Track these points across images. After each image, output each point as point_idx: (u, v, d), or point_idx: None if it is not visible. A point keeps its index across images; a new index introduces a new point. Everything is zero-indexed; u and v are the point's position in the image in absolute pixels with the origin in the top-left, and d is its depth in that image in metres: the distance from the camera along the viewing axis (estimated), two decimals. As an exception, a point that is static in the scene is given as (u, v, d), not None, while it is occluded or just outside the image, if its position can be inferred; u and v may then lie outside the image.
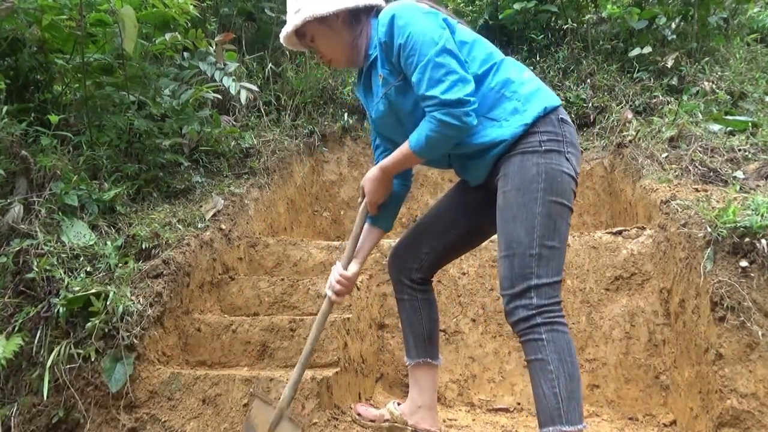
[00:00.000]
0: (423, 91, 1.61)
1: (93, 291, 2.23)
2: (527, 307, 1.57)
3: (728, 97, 3.72)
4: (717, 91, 3.76)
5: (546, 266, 1.58)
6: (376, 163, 1.92)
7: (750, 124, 3.25)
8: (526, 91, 1.68)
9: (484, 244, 2.81)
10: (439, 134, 1.63)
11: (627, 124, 3.69)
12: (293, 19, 1.77)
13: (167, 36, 2.96)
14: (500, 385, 2.66)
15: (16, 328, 2.24)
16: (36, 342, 2.22)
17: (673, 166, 2.98)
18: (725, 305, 2.01)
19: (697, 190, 2.65)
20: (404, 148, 1.74)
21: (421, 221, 2.05)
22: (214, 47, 3.19)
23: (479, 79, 1.69)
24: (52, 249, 2.37)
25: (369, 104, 1.91)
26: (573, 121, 3.91)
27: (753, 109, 3.59)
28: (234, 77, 3.13)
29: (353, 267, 1.95)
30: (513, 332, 1.68)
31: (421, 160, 1.76)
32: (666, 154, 3.12)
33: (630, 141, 3.51)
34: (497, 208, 1.69)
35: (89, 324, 2.20)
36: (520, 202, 1.62)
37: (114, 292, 2.25)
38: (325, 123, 4.25)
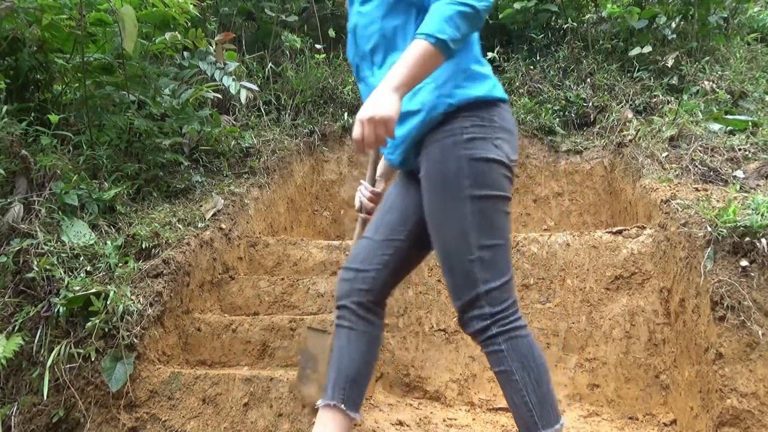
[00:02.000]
0: None
1: (93, 290, 2.23)
2: (481, 317, 1.45)
3: (728, 96, 3.72)
4: (717, 90, 3.76)
5: (491, 269, 1.44)
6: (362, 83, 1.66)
7: (750, 123, 3.25)
8: (476, 73, 1.52)
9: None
10: (463, 10, 1.37)
11: (627, 124, 3.69)
12: None
13: (167, 35, 2.96)
14: (500, 384, 2.66)
15: (17, 328, 2.25)
16: (36, 341, 2.22)
17: (674, 165, 2.98)
18: (725, 305, 2.01)
19: (697, 189, 2.65)
20: (414, 49, 1.37)
21: (366, 233, 1.73)
22: (214, 47, 3.19)
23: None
24: (52, 248, 2.37)
25: (350, 10, 1.69)
26: (573, 121, 3.98)
27: (753, 109, 3.59)
28: (234, 77, 3.14)
29: (380, 185, 1.83)
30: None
31: (444, 56, 1.39)
32: (666, 154, 3.12)
33: (630, 140, 3.51)
34: (425, 208, 1.53)
35: (89, 323, 2.20)
36: (446, 205, 1.47)
37: (114, 292, 2.25)
38: (325, 122, 4.25)
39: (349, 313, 1.63)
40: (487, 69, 1.57)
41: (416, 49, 1.36)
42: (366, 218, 1.83)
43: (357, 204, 1.86)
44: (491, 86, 1.53)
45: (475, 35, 1.57)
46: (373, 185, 1.85)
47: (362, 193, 1.84)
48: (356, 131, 1.38)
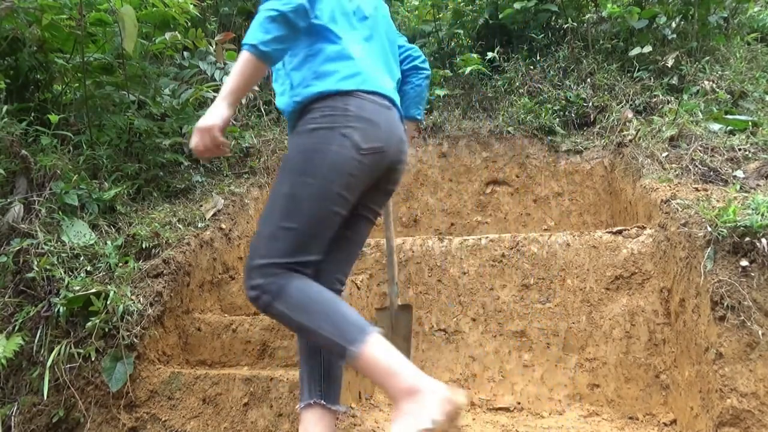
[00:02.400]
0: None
1: (93, 290, 2.23)
2: (253, 288, 1.51)
3: (728, 96, 3.72)
4: (717, 90, 3.76)
5: (274, 246, 1.52)
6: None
7: (750, 123, 3.25)
8: (325, 71, 1.62)
9: (483, 242, 2.81)
10: (263, 21, 1.55)
11: (627, 124, 3.69)
12: None
13: (167, 35, 2.96)
14: (500, 384, 2.66)
15: (17, 328, 2.25)
16: (36, 341, 2.23)
17: (674, 165, 2.98)
18: (725, 304, 2.01)
19: (697, 189, 2.65)
20: (240, 58, 1.56)
21: None
22: (214, 47, 3.20)
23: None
24: (52, 248, 2.37)
25: None
26: (573, 121, 3.98)
27: (753, 109, 3.59)
28: (234, 77, 3.13)
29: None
30: None
31: (262, 62, 1.55)
32: (666, 154, 3.12)
33: (630, 140, 3.51)
34: None
35: (89, 323, 2.20)
36: (275, 184, 1.62)
37: (114, 292, 2.25)
38: (325, 122, 4.24)
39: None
40: (344, 66, 1.64)
41: (239, 58, 1.55)
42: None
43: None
44: (340, 79, 1.62)
45: (339, 37, 1.66)
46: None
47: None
48: (191, 140, 1.56)
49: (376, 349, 1.43)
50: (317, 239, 1.58)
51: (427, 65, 2.07)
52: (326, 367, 1.67)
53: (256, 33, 1.51)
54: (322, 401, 1.63)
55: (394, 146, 1.67)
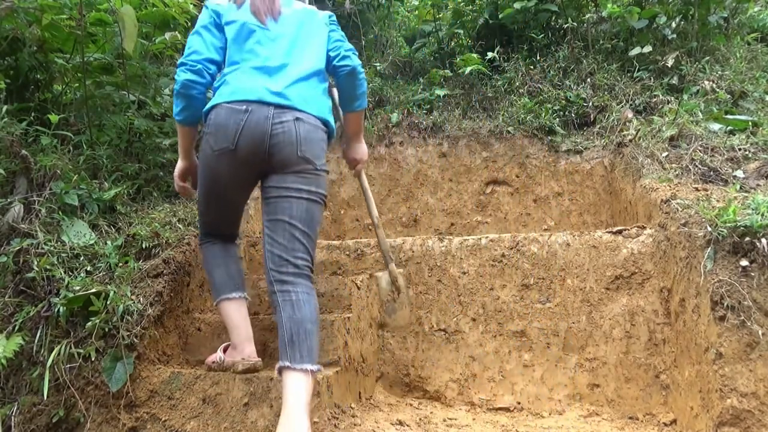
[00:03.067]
0: None
1: (93, 290, 2.23)
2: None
3: (728, 96, 3.71)
4: (717, 90, 3.76)
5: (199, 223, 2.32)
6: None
7: (750, 123, 3.25)
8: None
9: (483, 242, 2.81)
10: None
11: (627, 124, 3.69)
12: None
13: (167, 35, 2.96)
14: (500, 384, 2.66)
15: (17, 328, 2.25)
16: (36, 341, 2.23)
17: (674, 165, 2.98)
18: (725, 304, 2.01)
19: (697, 189, 2.65)
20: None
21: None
22: (214, 46, 3.19)
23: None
24: (52, 248, 2.37)
25: None
26: (573, 121, 3.98)
27: (753, 109, 3.59)
28: (234, 76, 3.13)
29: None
30: None
31: None
32: (666, 154, 3.12)
33: (630, 140, 3.51)
34: None
35: (89, 323, 2.20)
36: None
37: (114, 292, 2.25)
38: (325, 122, 4.25)
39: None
40: (218, 89, 2.11)
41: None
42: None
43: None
44: (210, 101, 2.11)
45: (225, 71, 2.13)
46: None
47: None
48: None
49: (223, 308, 2.21)
50: (212, 218, 2.25)
51: (347, 61, 2.23)
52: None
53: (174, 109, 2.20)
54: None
55: (247, 141, 2.01)
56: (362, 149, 2.53)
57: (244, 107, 2.00)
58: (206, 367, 2.29)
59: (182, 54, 2.15)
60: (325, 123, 2.16)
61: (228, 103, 2.01)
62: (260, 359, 2.20)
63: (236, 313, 2.20)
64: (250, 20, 2.12)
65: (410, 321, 2.74)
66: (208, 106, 2.08)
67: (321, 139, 2.13)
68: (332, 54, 2.23)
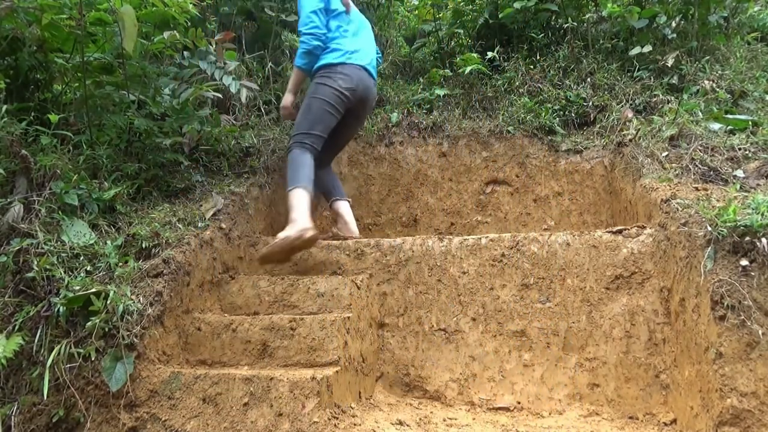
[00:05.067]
0: (299, 28, 3.30)
1: (93, 290, 2.23)
2: (294, 141, 3.14)
3: (728, 95, 3.71)
4: (717, 89, 3.76)
5: (300, 125, 3.17)
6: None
7: (750, 122, 3.25)
8: (324, 55, 3.26)
9: (483, 242, 2.81)
10: (302, 52, 3.24)
11: (627, 123, 3.69)
12: None
13: (167, 35, 2.96)
14: (500, 384, 2.66)
15: (17, 328, 2.25)
16: (36, 341, 2.22)
17: (674, 165, 2.98)
18: (725, 304, 2.01)
19: (697, 189, 2.65)
20: (293, 74, 3.42)
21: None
22: (214, 46, 3.19)
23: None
24: (52, 248, 2.37)
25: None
26: (573, 120, 3.99)
27: (753, 108, 3.59)
28: (234, 76, 3.13)
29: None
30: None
31: (304, 72, 3.30)
32: (666, 153, 3.12)
33: (630, 140, 3.50)
34: None
35: (89, 323, 2.20)
36: (305, 101, 3.23)
37: (114, 292, 2.25)
38: (325, 122, 4.24)
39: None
40: (334, 52, 3.23)
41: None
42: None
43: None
44: (332, 59, 3.21)
45: (332, 34, 3.26)
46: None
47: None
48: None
49: (295, 194, 2.97)
50: (318, 132, 3.17)
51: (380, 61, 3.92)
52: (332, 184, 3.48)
53: (297, 59, 3.27)
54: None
55: (361, 88, 3.26)
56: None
57: (361, 67, 3.26)
58: (264, 256, 2.88)
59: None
60: None
61: (351, 63, 3.22)
62: (313, 230, 2.85)
63: (303, 198, 2.92)
64: (340, 8, 3.28)
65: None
66: (331, 60, 3.19)
67: None
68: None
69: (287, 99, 3.33)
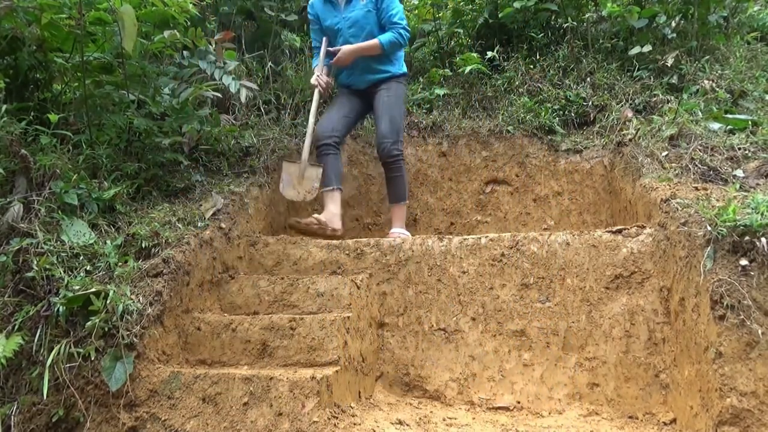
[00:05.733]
0: (396, 19, 3.38)
1: (93, 290, 2.23)
2: (399, 149, 3.46)
3: (728, 95, 3.72)
4: (717, 89, 3.76)
5: (401, 131, 3.53)
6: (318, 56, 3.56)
7: (750, 122, 3.25)
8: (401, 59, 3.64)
9: (483, 242, 2.81)
10: (397, 41, 3.36)
11: (627, 123, 3.69)
12: None
13: (166, 34, 2.95)
14: (500, 383, 2.66)
15: (16, 327, 2.25)
16: (36, 341, 2.22)
17: (673, 164, 2.98)
18: (725, 304, 2.01)
19: (697, 188, 2.65)
20: (373, 42, 3.35)
21: (332, 114, 3.57)
22: (214, 46, 3.19)
23: None
24: (51, 248, 2.37)
25: (335, 15, 3.47)
26: (573, 120, 3.99)
27: (753, 108, 3.59)
28: (234, 76, 3.13)
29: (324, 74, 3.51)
30: (386, 164, 3.47)
31: (380, 52, 3.38)
32: (666, 153, 3.12)
33: (630, 140, 3.51)
34: (381, 99, 3.48)
35: (89, 323, 2.20)
36: (396, 101, 3.50)
37: (114, 291, 2.25)
38: (325, 122, 4.24)
39: (331, 147, 3.44)
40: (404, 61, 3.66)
41: (373, 42, 3.37)
42: (321, 92, 3.49)
43: (315, 82, 3.46)
44: (405, 66, 3.63)
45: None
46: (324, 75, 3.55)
47: (321, 78, 3.46)
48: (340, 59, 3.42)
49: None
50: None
51: None
52: (339, 173, 3.49)
53: (388, 42, 3.40)
54: (340, 187, 3.45)
55: None
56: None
57: None
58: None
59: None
60: None
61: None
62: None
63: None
64: None
65: (292, 198, 3.40)
66: (406, 70, 3.67)
67: None
68: None
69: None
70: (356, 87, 3.58)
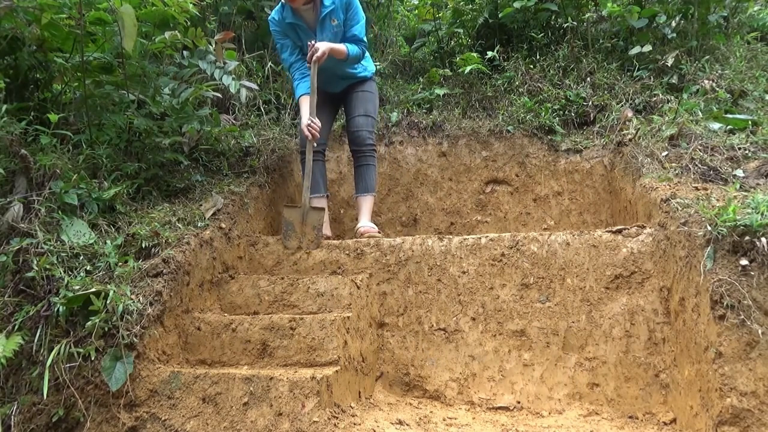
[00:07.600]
0: (360, 37, 3.39)
1: (93, 290, 2.23)
2: (373, 139, 3.50)
3: (728, 95, 3.72)
4: (717, 89, 3.76)
5: (375, 125, 3.60)
6: (296, 73, 3.40)
7: (750, 122, 3.25)
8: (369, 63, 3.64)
9: (483, 241, 2.81)
10: (358, 56, 3.38)
11: (627, 123, 3.69)
12: None
13: (167, 34, 2.95)
14: (500, 383, 2.66)
15: (16, 327, 2.24)
16: (36, 341, 2.22)
17: (673, 164, 2.98)
18: (725, 303, 2.01)
19: (697, 188, 2.65)
20: (343, 47, 3.28)
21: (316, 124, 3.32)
22: (214, 46, 3.19)
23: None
24: (51, 248, 2.37)
25: (306, 35, 3.33)
26: (573, 120, 3.99)
27: (753, 108, 3.59)
28: (234, 76, 3.13)
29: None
30: (360, 152, 3.44)
31: (344, 59, 3.31)
32: (666, 153, 3.12)
33: (630, 139, 3.51)
34: (356, 95, 3.51)
35: (89, 323, 2.20)
36: (371, 96, 3.55)
37: (114, 291, 2.25)
38: (325, 122, 4.24)
39: (319, 154, 3.44)
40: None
41: (343, 47, 3.28)
42: (311, 140, 3.20)
43: (309, 133, 3.16)
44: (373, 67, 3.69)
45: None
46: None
47: (314, 124, 3.17)
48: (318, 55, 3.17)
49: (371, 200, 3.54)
50: None
51: None
52: (325, 179, 3.57)
53: (351, 49, 3.32)
54: (327, 194, 3.52)
55: None
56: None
57: None
58: None
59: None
60: None
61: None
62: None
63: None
64: None
65: (294, 249, 3.07)
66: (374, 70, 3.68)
67: None
68: None
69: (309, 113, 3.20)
70: (332, 91, 3.54)
